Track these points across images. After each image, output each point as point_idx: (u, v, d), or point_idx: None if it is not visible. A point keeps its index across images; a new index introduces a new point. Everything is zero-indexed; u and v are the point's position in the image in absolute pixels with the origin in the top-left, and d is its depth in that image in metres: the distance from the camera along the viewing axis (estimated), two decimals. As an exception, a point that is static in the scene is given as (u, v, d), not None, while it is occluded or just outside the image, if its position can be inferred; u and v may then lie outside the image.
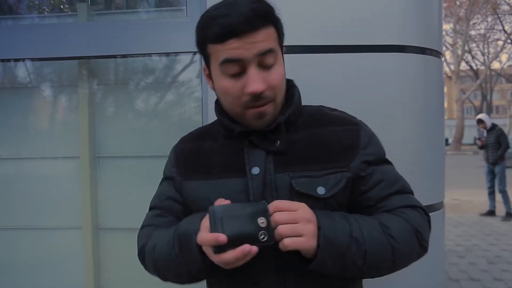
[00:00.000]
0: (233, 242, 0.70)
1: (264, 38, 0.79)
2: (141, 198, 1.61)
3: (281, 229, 0.73)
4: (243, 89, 0.80)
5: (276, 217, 0.74)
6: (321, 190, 0.83)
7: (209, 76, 0.88)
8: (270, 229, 0.72)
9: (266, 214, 0.73)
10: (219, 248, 0.71)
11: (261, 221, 0.72)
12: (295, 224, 0.74)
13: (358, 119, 0.94)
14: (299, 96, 0.92)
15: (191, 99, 1.59)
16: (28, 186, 1.65)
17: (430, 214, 0.91)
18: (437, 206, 1.33)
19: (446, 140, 19.62)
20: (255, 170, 0.84)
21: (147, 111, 1.63)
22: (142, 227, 0.97)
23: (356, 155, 0.86)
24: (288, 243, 0.72)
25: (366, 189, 0.87)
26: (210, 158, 0.90)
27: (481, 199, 7.73)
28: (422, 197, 0.95)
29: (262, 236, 0.71)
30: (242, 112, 0.84)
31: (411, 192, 0.92)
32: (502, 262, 4.45)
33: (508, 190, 6.51)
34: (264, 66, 0.81)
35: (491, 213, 6.66)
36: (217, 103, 0.91)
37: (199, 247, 0.77)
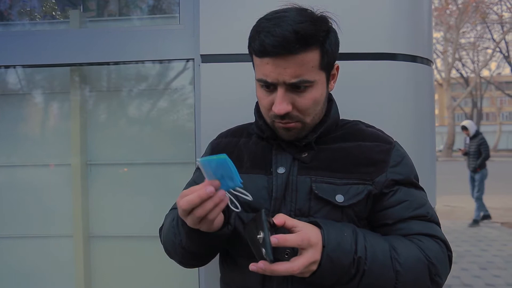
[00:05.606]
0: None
1: (300, 63, 0.79)
2: (133, 206, 1.61)
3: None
4: (271, 104, 0.84)
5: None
6: (339, 198, 0.84)
7: None
8: (267, 246, 0.68)
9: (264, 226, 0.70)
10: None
11: (259, 236, 0.70)
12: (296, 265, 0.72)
13: (394, 140, 0.94)
14: (335, 112, 0.94)
15: (184, 106, 1.59)
16: (19, 193, 1.63)
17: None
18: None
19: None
20: (281, 170, 0.87)
21: (139, 118, 1.62)
22: (170, 209, 1.01)
23: (383, 172, 0.86)
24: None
25: (386, 206, 0.86)
26: (242, 154, 0.94)
27: (472, 205, 7.76)
28: (414, 204, 0.94)
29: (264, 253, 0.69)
30: (272, 122, 0.88)
31: (437, 223, 0.88)
32: (493, 267, 4.47)
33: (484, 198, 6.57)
34: (295, 89, 0.82)
35: (486, 217, 6.67)
36: (258, 104, 0.94)
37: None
